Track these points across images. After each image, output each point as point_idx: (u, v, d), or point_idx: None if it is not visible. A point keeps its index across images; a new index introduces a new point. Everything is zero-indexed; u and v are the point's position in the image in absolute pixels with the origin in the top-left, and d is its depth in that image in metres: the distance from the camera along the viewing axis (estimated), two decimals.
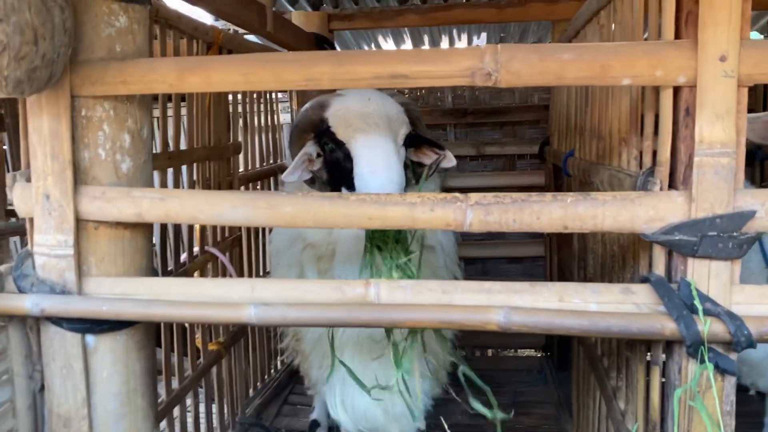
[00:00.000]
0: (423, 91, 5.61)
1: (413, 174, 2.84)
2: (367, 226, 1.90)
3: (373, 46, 6.59)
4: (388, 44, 6.51)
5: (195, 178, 3.80)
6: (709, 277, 1.74)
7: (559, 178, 4.64)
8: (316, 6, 5.34)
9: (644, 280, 1.82)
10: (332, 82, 1.87)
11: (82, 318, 1.98)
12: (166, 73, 1.94)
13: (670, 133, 1.78)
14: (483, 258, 5.69)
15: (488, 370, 5.45)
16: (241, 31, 4.65)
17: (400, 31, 6.08)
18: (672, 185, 1.82)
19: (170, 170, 3.38)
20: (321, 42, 5.15)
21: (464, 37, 6.38)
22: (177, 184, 3.42)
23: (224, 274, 3.98)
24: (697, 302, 1.70)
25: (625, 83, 1.75)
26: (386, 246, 2.30)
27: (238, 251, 4.38)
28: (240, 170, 4.47)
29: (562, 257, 4.97)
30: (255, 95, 4.67)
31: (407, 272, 2.30)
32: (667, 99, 1.78)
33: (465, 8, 5.09)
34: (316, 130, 2.67)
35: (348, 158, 2.49)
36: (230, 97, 4.18)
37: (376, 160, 2.38)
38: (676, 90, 1.78)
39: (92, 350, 2.09)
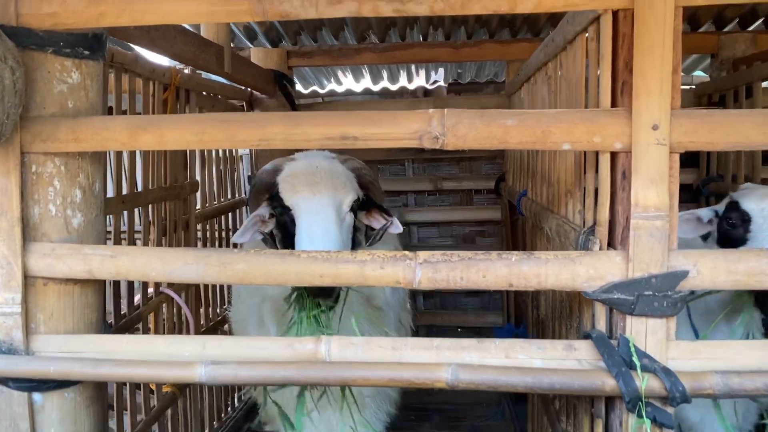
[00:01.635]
0: None
1: (364, 237, 2.87)
2: (318, 284, 1.93)
3: (332, 80, 6.67)
4: (347, 79, 6.60)
5: (150, 218, 3.79)
6: (646, 333, 1.81)
7: (514, 214, 4.75)
8: (275, 42, 5.39)
9: (586, 336, 1.89)
10: (285, 143, 1.91)
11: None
12: (119, 132, 1.96)
13: (608, 195, 1.87)
14: (441, 291, 5.76)
15: (447, 403, 5.49)
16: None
17: (359, 66, 6.17)
18: (611, 244, 1.90)
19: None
20: (280, 78, 5.19)
21: (422, 72, 6.50)
22: (131, 226, 3.39)
23: (180, 316, 3.95)
24: (635, 359, 1.77)
25: (565, 148, 1.83)
26: (306, 300, 2.35)
27: (195, 289, 4.35)
28: (197, 207, 4.46)
29: (518, 291, 5.06)
30: None
31: (321, 324, 2.35)
32: (605, 163, 1.86)
33: (422, 47, 5.20)
34: (270, 192, 2.71)
35: (293, 223, 2.54)
36: None
37: (315, 229, 2.41)
38: (614, 154, 1.86)
39: (39, 408, 2.06)
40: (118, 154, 3.20)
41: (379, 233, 2.81)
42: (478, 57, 5.23)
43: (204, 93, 4.36)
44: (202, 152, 4.51)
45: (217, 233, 4.74)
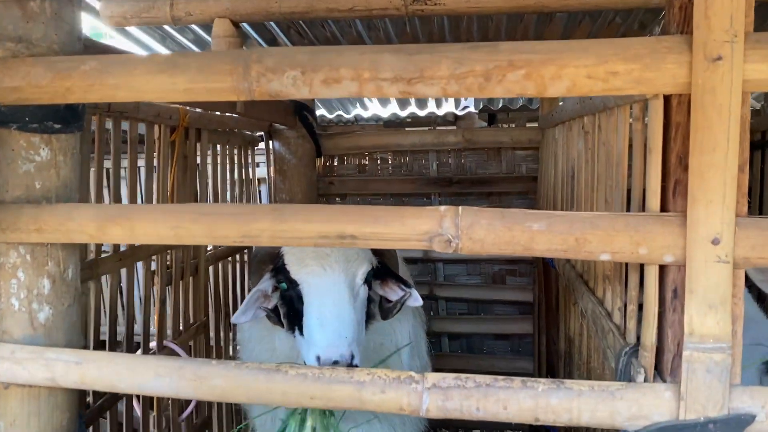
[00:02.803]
0: (407, 158, 5.40)
1: (380, 308, 2.60)
2: (308, 406, 1.66)
3: (358, 106, 6.40)
4: (373, 104, 6.32)
5: (154, 268, 3.57)
6: None
7: (547, 266, 4.41)
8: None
9: None
10: (272, 240, 1.64)
11: None
12: (86, 223, 1.71)
13: (655, 316, 1.55)
14: (468, 333, 5.44)
15: None
16: None
17: None
18: (658, 371, 1.58)
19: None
20: (299, 109, 4.95)
21: (450, 99, 6.20)
22: (131, 284, 3.17)
23: None
24: None
25: (603, 258, 1.52)
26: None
27: (204, 338, 4.12)
28: (209, 248, 4.23)
29: (550, 336, 4.72)
30: (227, 159, 4.44)
31: None
32: (652, 277, 1.55)
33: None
34: (274, 263, 2.46)
35: (300, 300, 2.29)
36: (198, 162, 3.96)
37: (326, 311, 2.18)
38: (663, 266, 1.55)
39: None
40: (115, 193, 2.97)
41: (397, 306, 2.54)
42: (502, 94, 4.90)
43: (218, 129, 4.14)
44: (214, 179, 4.28)
45: (230, 276, 4.50)
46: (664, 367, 1.55)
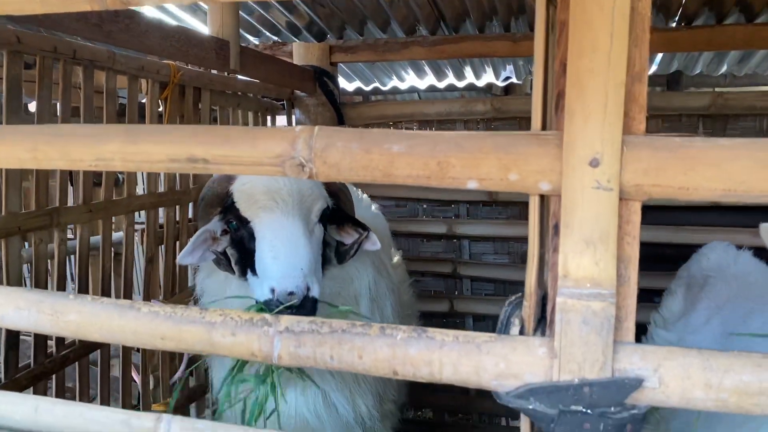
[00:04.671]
0: (433, 129, 5.15)
1: (336, 253, 2.45)
2: (161, 347, 1.51)
3: (394, 77, 6.19)
4: (409, 76, 6.10)
5: (146, 226, 3.54)
6: None
7: None
8: (320, 37, 5.01)
9: None
10: (125, 164, 1.50)
11: None
12: None
13: (536, 256, 1.30)
14: (495, 315, 5.15)
15: None
16: None
17: (418, 64, 5.66)
18: (544, 327, 1.33)
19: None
20: (320, 75, 4.82)
21: (489, 69, 5.88)
22: (107, 240, 3.13)
23: None
24: None
25: (471, 187, 1.28)
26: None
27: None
28: None
29: None
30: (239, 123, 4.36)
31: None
32: (533, 209, 1.30)
33: (475, 41, 4.61)
34: (222, 204, 2.35)
35: (252, 238, 2.20)
36: None
37: (279, 243, 2.09)
38: (545, 198, 1.29)
39: None
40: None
41: (353, 247, 2.40)
42: None
43: (226, 92, 4.05)
44: None
45: None
46: (548, 320, 1.30)
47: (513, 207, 5.08)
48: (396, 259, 3.53)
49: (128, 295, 3.42)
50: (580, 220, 1.18)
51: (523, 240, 5.08)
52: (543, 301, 1.34)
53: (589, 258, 1.18)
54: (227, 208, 2.32)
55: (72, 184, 3.09)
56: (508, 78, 6.00)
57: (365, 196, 4.03)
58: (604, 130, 1.15)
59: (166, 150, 1.45)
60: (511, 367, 1.26)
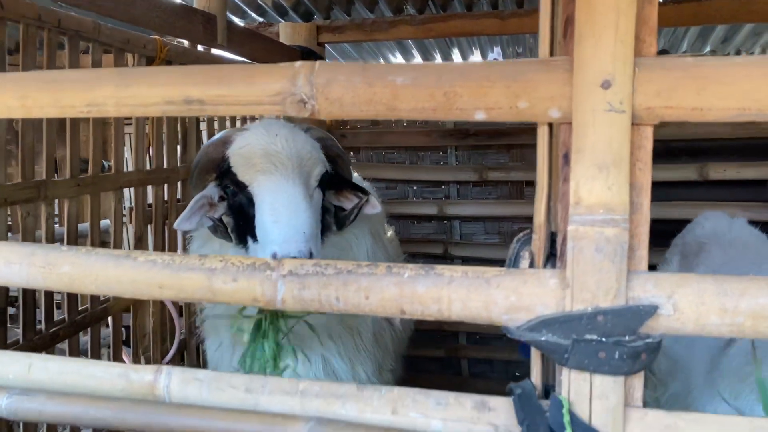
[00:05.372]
0: None
1: (335, 219, 2.42)
2: (158, 296, 1.46)
3: (381, 60, 6.16)
4: (396, 59, 6.07)
5: (132, 204, 3.48)
6: (590, 396, 1.21)
7: None
8: (307, 18, 4.96)
9: (509, 391, 1.30)
10: (118, 109, 1.45)
11: None
12: None
13: (545, 187, 1.27)
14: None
15: None
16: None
17: (405, 42, 5.63)
18: (554, 260, 1.30)
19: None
20: (308, 55, 4.76)
21: (476, 51, 5.86)
22: (96, 216, 3.07)
23: (163, 314, 3.62)
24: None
25: (478, 118, 1.25)
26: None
27: None
28: None
29: None
30: None
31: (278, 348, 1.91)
32: (542, 139, 1.27)
33: (464, 19, 4.59)
34: (218, 170, 2.30)
35: (251, 203, 2.15)
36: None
37: (280, 206, 2.04)
38: (555, 128, 1.27)
39: None
40: (74, 135, 2.87)
41: (353, 212, 2.36)
42: (529, 29, 4.55)
43: None
44: (209, 128, 4.16)
45: None
46: (558, 253, 1.27)
47: (503, 186, 5.08)
48: (390, 233, 3.50)
49: None
50: (593, 144, 1.16)
51: (513, 219, 5.09)
52: (552, 238, 1.32)
53: (601, 183, 1.16)
54: (224, 173, 2.27)
55: (57, 172, 3.03)
56: (495, 60, 5.98)
57: (356, 174, 4.00)
58: (615, 51, 1.13)
59: (161, 92, 1.41)
60: (522, 300, 1.24)
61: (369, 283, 1.33)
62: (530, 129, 4.91)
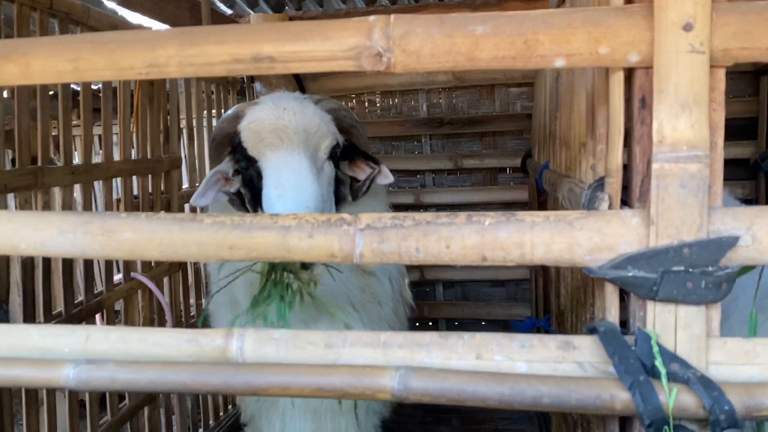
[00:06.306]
0: (396, 99, 5.18)
1: (350, 190, 2.43)
2: (228, 258, 1.44)
3: None
4: None
5: (119, 196, 3.39)
6: (675, 327, 1.27)
7: (541, 195, 4.19)
8: (278, 8, 4.93)
9: (591, 330, 1.35)
10: (182, 69, 1.43)
11: None
12: None
13: (621, 132, 1.32)
14: (462, 281, 5.21)
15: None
16: None
17: None
18: (627, 204, 1.36)
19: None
20: None
21: None
22: (88, 203, 2.98)
23: (153, 306, 3.53)
24: (659, 363, 1.23)
25: (557, 65, 1.29)
26: (278, 271, 1.90)
27: (181, 276, 3.93)
28: (185, 186, 4.04)
29: (547, 279, 4.49)
30: (204, 95, 4.24)
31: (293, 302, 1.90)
32: (616, 85, 1.32)
33: (437, 8, 4.65)
34: (231, 144, 2.30)
35: (260, 177, 2.15)
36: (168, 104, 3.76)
37: (285, 182, 2.06)
38: (630, 74, 1.32)
39: None
40: (66, 122, 2.77)
41: (366, 183, 2.39)
42: None
43: None
44: (188, 121, 4.08)
45: None
46: (633, 194, 1.33)
47: (477, 174, 5.16)
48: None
49: (109, 267, 3.27)
50: (675, 84, 1.22)
51: (489, 205, 5.18)
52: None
53: (684, 121, 1.22)
54: (236, 147, 2.28)
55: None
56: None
57: None
58: None
59: (230, 50, 1.39)
60: (606, 240, 1.29)
61: (449, 233, 1.35)
62: (502, 116, 5.03)
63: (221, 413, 4.56)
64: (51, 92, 2.85)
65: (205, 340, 1.45)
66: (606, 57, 1.27)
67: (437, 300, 5.24)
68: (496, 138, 5.13)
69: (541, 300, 4.72)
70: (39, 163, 2.62)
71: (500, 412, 4.79)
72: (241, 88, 4.80)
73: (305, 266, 1.94)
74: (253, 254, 1.43)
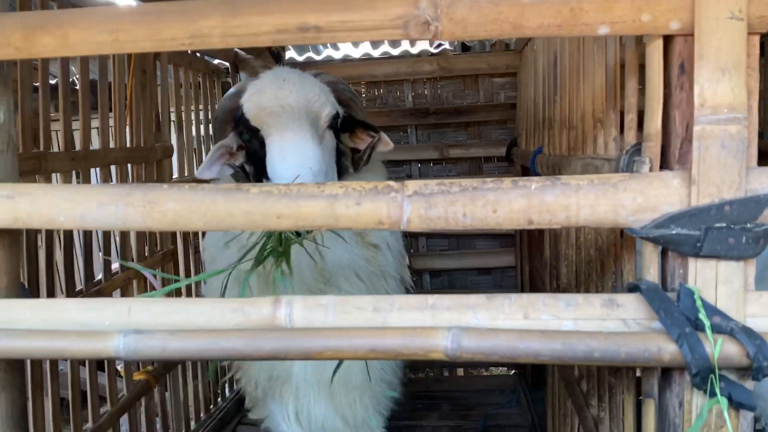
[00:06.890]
0: (381, 90, 5.21)
1: (351, 162, 2.49)
2: (275, 227, 1.46)
3: (329, 45, 6.16)
4: (344, 44, 6.09)
5: (113, 181, 3.35)
6: (716, 282, 1.33)
7: None
8: None
9: (633, 288, 1.40)
10: (224, 40, 1.43)
11: None
12: (10, 33, 1.49)
13: (660, 98, 1.38)
14: (449, 270, 5.28)
15: (458, 391, 5.03)
16: None
17: None
18: (664, 167, 1.41)
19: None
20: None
21: None
22: None
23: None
24: (702, 316, 1.29)
25: (601, 32, 1.34)
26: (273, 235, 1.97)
27: (172, 267, 3.90)
28: (175, 176, 4.01)
29: (533, 267, 4.58)
30: (191, 86, 4.21)
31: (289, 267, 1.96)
32: (656, 53, 1.38)
33: None
34: (234, 119, 2.33)
35: (263, 146, 2.20)
36: (159, 93, 3.72)
37: (288, 145, 2.10)
38: (667, 42, 1.38)
39: None
40: (66, 108, 2.74)
41: (367, 152, 2.45)
42: None
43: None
44: (178, 112, 4.06)
45: None
46: (671, 157, 1.38)
47: (462, 163, 5.22)
48: None
49: (107, 252, 3.23)
50: (716, 49, 1.28)
51: None
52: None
53: (725, 85, 1.28)
54: (238, 120, 2.33)
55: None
56: (440, 45, 6.13)
57: None
58: None
59: (274, 20, 1.41)
60: (649, 201, 1.34)
61: (496, 197, 1.39)
62: (487, 106, 5.10)
63: (212, 406, 4.54)
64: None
65: (251, 309, 1.46)
66: (648, 24, 1.32)
67: (424, 289, 5.29)
68: (480, 128, 5.20)
69: (528, 286, 4.81)
70: (41, 148, 2.59)
71: (489, 396, 4.87)
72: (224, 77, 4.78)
73: (299, 234, 2.00)
74: (300, 222, 1.45)
